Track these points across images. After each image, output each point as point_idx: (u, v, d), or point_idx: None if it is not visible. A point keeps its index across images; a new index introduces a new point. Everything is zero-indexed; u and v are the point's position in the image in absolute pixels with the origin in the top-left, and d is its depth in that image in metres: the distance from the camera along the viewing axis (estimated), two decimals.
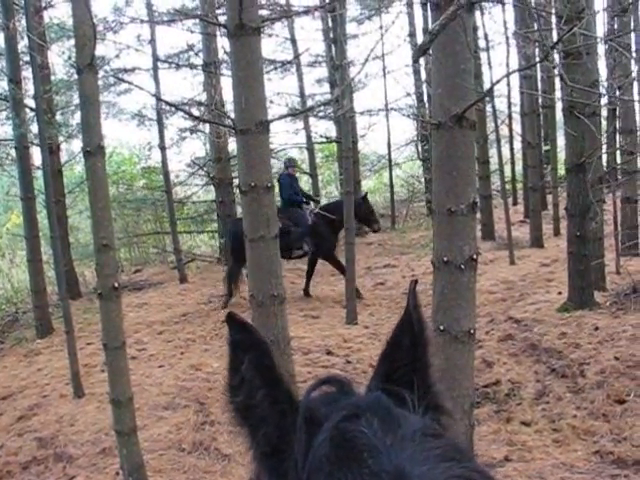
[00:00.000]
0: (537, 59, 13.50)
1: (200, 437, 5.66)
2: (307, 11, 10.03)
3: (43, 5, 12.12)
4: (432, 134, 4.19)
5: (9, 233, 15.50)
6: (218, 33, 11.74)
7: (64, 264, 11.25)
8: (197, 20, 14.12)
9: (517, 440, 5.65)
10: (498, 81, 4.13)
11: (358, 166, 16.35)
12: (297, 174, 12.14)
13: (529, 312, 8.32)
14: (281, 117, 6.97)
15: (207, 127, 14.96)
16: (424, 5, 18.38)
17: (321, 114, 17.57)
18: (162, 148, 12.96)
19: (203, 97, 14.91)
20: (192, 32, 12.79)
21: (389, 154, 17.83)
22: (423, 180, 21.23)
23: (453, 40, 3.99)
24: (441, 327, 4.21)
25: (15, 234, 14.45)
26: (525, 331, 7.75)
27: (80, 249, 14.48)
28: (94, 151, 4.38)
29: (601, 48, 10.81)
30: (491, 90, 4.94)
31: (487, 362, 7.16)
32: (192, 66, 14.15)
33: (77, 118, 16.99)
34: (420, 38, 18.87)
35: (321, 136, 16.91)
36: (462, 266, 4.12)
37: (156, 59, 12.43)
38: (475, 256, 4.20)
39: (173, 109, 13.60)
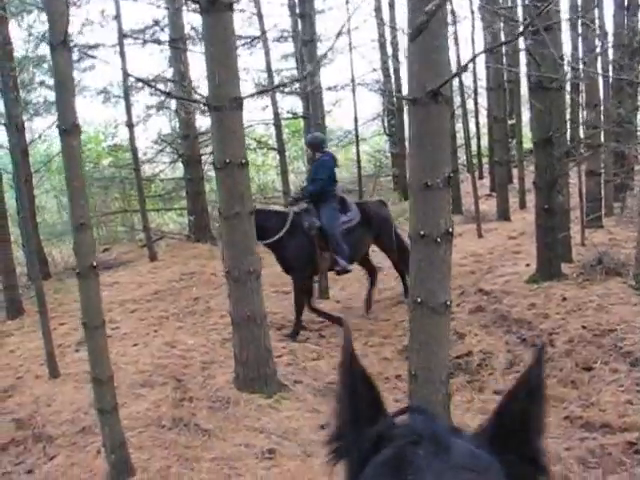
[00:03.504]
0: (502, 33, 13.64)
1: (179, 413, 5.69)
2: None
3: None
4: (409, 110, 4.25)
5: None
6: (185, 8, 11.65)
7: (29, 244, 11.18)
8: None
9: (490, 409, 5.73)
10: (474, 57, 4.21)
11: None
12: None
13: (498, 284, 8.46)
14: (255, 93, 6.96)
15: (173, 103, 14.87)
16: None
17: (287, 90, 17.51)
18: (129, 125, 12.81)
19: (169, 73, 14.79)
20: (158, 7, 12.61)
21: (356, 129, 17.83)
22: (389, 155, 21.32)
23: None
24: (418, 299, 4.31)
25: None
26: (495, 303, 7.90)
27: (47, 229, 14.34)
28: (70, 129, 4.35)
29: (564, 23, 10.92)
30: (466, 67, 5.00)
31: (459, 333, 7.29)
32: (158, 42, 13.96)
33: (40, 96, 16.78)
34: (385, 12, 18.89)
35: (288, 112, 16.85)
36: (438, 239, 4.21)
37: (122, 35, 12.26)
38: (451, 229, 4.29)
39: (140, 86, 13.45)
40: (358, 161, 17.72)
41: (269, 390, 5.89)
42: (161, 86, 14.45)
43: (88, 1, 13.46)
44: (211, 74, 5.49)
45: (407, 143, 16.29)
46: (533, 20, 3.67)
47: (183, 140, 13.03)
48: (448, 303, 4.36)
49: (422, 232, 4.21)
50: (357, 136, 17.69)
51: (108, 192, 16.21)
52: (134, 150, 12.99)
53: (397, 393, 6.40)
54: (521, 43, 9.00)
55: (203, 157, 14.65)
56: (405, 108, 18.72)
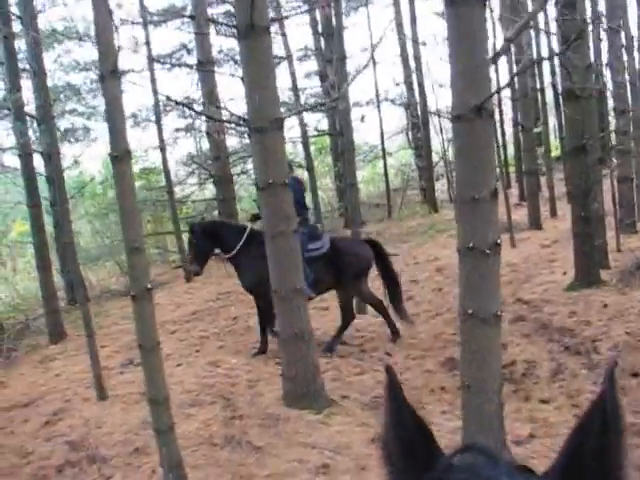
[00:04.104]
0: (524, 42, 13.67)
1: (230, 431, 5.76)
2: (312, 9, 10.12)
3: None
4: (453, 126, 4.33)
5: (16, 241, 15.54)
6: (212, 32, 11.85)
7: (69, 270, 11.38)
8: (185, 20, 14.25)
9: (538, 417, 5.80)
10: (517, 73, 4.26)
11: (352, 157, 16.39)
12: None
13: (537, 293, 8.48)
14: (294, 113, 7.08)
15: (201, 125, 15.08)
16: None
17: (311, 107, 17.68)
18: (162, 148, 13.02)
19: (196, 95, 15.03)
20: (189, 32, 12.82)
21: (382, 144, 17.94)
22: (416, 168, 21.34)
23: (469, 34, 4.13)
24: (469, 311, 4.35)
25: (22, 242, 14.51)
26: (535, 312, 7.91)
27: (82, 253, 14.53)
28: (121, 155, 4.47)
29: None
30: (510, 83, 5.07)
31: (501, 344, 7.29)
32: (187, 65, 14.17)
33: (69, 123, 17.12)
34: (407, 28, 18.95)
35: (316, 129, 17.02)
36: (487, 251, 4.26)
37: (152, 59, 12.49)
38: (499, 241, 4.35)
39: (168, 109, 13.68)
40: (386, 175, 17.83)
41: (318, 406, 5.95)
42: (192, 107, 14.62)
43: (116, 29, 13.66)
44: (251, 96, 5.61)
45: (434, 156, 16.28)
46: (580, 35, 3.74)
47: (214, 161, 13.19)
48: (499, 314, 4.41)
49: (470, 244, 4.26)
50: (384, 150, 17.78)
51: (142, 215, 16.38)
52: (167, 172, 13.19)
53: (443, 405, 6.44)
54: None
55: (234, 177, 14.82)
56: (430, 121, 18.82)
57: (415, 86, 18.68)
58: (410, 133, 20.32)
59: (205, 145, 18.03)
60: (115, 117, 4.54)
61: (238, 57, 16.09)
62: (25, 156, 9.66)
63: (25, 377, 8.79)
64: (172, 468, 4.83)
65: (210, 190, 16.66)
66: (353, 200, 9.41)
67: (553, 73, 17.28)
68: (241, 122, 6.23)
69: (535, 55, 14.66)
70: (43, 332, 10.54)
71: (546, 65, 15.54)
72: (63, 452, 6.06)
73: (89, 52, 15.79)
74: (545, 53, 16.95)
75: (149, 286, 4.68)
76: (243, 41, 5.63)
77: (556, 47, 8.67)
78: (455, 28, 4.16)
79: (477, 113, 4.09)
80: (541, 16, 17.40)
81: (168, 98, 6.31)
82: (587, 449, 0.90)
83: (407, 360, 7.58)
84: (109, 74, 4.47)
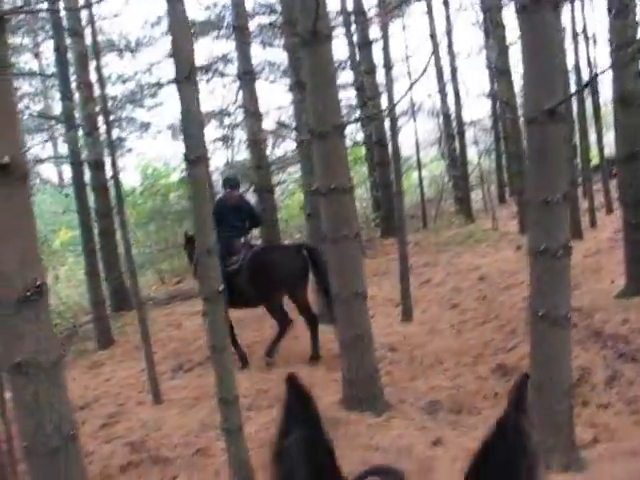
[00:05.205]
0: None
1: None
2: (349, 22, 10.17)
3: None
4: (526, 128, 4.39)
5: (62, 249, 15.77)
6: (255, 42, 12.01)
7: (114, 277, 11.55)
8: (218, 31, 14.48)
9: (599, 422, 5.79)
10: (589, 81, 4.31)
11: (389, 168, 16.47)
12: None
13: (586, 301, 8.44)
14: (352, 121, 7.18)
15: (238, 136, 15.23)
16: (445, 5, 18.64)
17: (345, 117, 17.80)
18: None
19: (232, 107, 15.25)
20: (226, 43, 13.02)
21: (417, 155, 18.00)
22: (447, 179, 21.36)
23: (542, 38, 4.19)
24: (540, 313, 4.40)
25: (68, 250, 14.73)
26: (586, 319, 7.87)
27: (124, 262, 14.72)
28: (196, 159, 4.58)
29: None
30: (584, 87, 5.12)
31: None
32: (238, 76, 14.25)
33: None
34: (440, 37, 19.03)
35: (351, 140, 17.13)
36: (558, 253, 4.31)
37: (194, 69, 12.63)
38: (570, 243, 4.40)
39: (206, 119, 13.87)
40: (421, 186, 17.86)
41: (377, 409, 5.99)
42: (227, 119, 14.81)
43: (156, 42, 13.95)
44: (314, 103, 5.71)
45: (469, 166, 16.21)
46: None
47: (256, 170, 13.28)
48: (569, 315, 4.44)
49: (542, 247, 4.31)
50: (419, 161, 17.83)
51: (183, 224, 16.50)
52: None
53: (498, 410, 6.44)
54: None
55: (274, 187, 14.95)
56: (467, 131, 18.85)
57: (450, 96, 18.78)
58: (444, 143, 20.35)
59: (238, 156, 18.31)
60: (190, 122, 4.65)
61: (277, 66, 16.33)
62: (76, 165, 9.85)
63: (77, 381, 8.91)
64: (239, 468, 4.91)
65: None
66: (399, 208, 9.47)
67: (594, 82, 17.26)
68: (301, 129, 6.33)
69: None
70: (90, 338, 10.70)
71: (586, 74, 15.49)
72: (124, 453, 6.15)
73: (128, 65, 16.01)
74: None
75: (220, 288, 4.78)
76: (306, 48, 5.73)
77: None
78: (528, 33, 4.23)
79: (550, 116, 4.15)
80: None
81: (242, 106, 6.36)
82: (490, 475, 0.80)
83: (458, 366, 7.60)
84: (184, 79, 4.59)
